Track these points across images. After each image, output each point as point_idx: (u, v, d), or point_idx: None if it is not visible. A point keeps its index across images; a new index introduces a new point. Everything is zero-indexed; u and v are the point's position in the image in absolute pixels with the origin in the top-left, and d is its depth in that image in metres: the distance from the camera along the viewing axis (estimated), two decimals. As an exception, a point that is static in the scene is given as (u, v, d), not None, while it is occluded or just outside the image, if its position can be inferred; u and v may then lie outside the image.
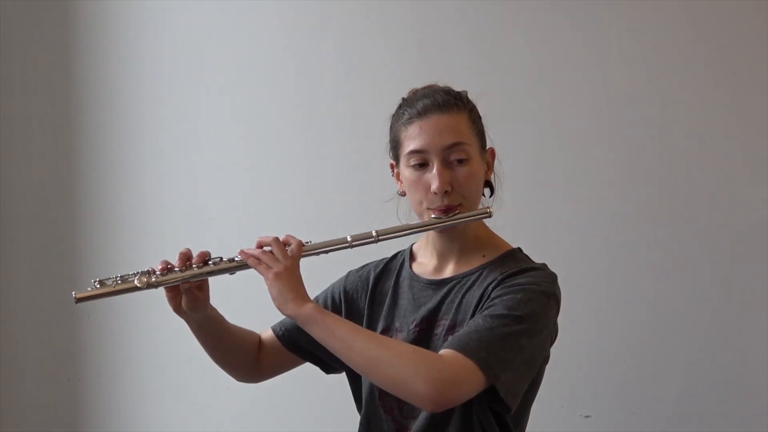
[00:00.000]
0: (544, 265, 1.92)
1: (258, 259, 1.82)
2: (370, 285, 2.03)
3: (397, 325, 1.95)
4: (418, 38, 2.86)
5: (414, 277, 1.99)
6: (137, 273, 1.84)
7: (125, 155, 3.06)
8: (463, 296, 1.89)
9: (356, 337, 1.76)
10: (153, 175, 3.05)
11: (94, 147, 3.08)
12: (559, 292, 1.88)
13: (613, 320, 2.71)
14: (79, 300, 1.83)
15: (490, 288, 1.84)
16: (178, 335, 2.85)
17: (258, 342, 2.07)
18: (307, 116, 2.94)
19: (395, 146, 1.95)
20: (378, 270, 2.05)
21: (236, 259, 1.86)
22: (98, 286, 1.83)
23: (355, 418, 2.02)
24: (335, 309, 2.05)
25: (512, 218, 2.07)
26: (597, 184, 2.75)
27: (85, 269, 3.04)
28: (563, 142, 2.76)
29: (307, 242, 1.87)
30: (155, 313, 2.94)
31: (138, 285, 1.83)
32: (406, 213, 2.01)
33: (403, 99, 1.98)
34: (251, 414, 2.95)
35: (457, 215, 1.89)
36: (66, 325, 3.08)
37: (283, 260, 1.81)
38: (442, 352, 1.74)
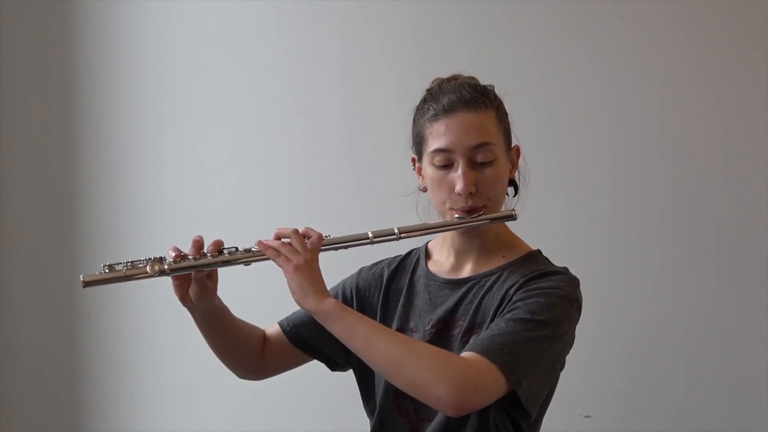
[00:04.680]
0: (566, 268, 1.87)
1: (277, 250, 1.75)
2: (384, 283, 1.97)
3: (412, 324, 1.90)
4: (418, 37, 2.86)
5: (430, 275, 1.93)
6: (149, 259, 1.76)
7: (125, 155, 3.05)
8: (482, 298, 1.83)
9: (378, 336, 1.70)
10: (154, 176, 3.04)
11: (93, 148, 3.07)
12: (581, 297, 1.83)
13: (613, 320, 2.72)
14: (86, 284, 1.76)
15: (511, 291, 1.79)
16: (179, 335, 2.88)
17: (262, 337, 2.00)
18: (309, 115, 2.94)
19: (418, 142, 1.88)
20: (392, 267, 1.99)
21: (253, 249, 1.78)
22: (107, 270, 1.76)
23: (358, 418, 2.01)
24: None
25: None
26: (597, 187, 2.75)
27: (86, 269, 3.01)
28: (563, 143, 2.77)
29: (327, 236, 1.81)
30: (155, 313, 2.97)
31: (149, 272, 1.74)
32: (425, 208, 1.96)
33: (428, 91, 1.90)
34: (251, 414, 2.94)
35: (481, 216, 1.83)
36: (66, 325, 3.07)
37: (303, 253, 1.74)
38: (465, 354, 1.69)
